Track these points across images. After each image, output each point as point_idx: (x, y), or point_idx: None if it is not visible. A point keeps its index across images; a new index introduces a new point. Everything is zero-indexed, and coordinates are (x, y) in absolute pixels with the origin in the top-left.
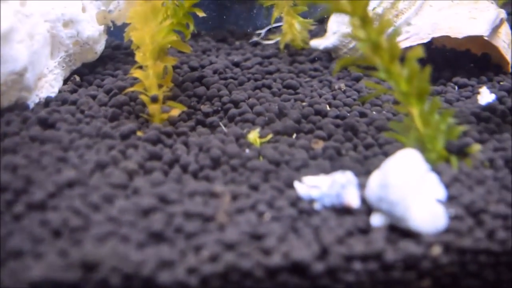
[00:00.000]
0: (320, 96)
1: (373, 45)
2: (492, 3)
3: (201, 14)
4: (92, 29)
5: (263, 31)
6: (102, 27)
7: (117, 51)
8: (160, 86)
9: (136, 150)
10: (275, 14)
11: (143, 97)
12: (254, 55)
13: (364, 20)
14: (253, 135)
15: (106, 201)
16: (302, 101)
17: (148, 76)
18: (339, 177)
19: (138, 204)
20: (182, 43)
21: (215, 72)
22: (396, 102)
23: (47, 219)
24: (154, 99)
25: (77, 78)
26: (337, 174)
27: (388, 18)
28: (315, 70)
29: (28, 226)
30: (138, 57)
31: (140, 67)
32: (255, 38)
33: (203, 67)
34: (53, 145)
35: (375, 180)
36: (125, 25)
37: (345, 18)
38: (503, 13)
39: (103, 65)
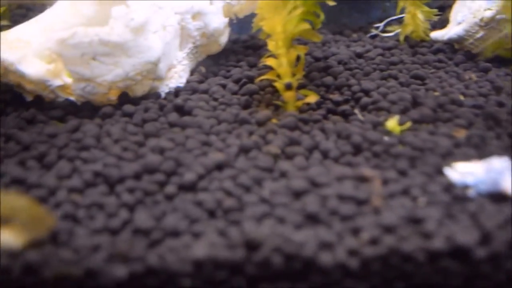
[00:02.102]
0: (451, 86)
1: None
2: None
3: (331, 3)
4: (218, 22)
5: (381, 24)
6: (226, 20)
7: (236, 45)
8: (292, 74)
9: (275, 135)
10: (401, 4)
11: (277, 85)
12: (374, 46)
13: None
14: (392, 123)
15: (255, 183)
16: (434, 90)
17: (281, 64)
18: (496, 163)
19: (289, 186)
20: (313, 32)
21: (339, 62)
22: None
23: (201, 199)
24: (289, 86)
25: (203, 69)
26: (494, 159)
27: None
28: (440, 61)
29: (181, 206)
30: (271, 45)
31: (271, 56)
32: (373, 31)
33: (326, 57)
34: (194, 129)
35: None
36: (243, 19)
37: (471, 8)
38: None
39: (225, 57)
